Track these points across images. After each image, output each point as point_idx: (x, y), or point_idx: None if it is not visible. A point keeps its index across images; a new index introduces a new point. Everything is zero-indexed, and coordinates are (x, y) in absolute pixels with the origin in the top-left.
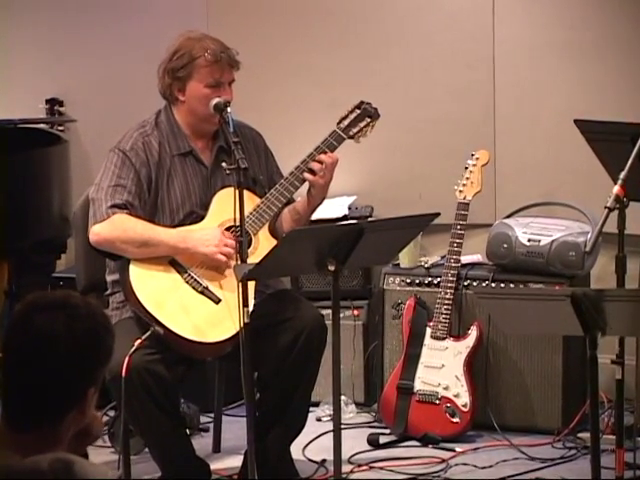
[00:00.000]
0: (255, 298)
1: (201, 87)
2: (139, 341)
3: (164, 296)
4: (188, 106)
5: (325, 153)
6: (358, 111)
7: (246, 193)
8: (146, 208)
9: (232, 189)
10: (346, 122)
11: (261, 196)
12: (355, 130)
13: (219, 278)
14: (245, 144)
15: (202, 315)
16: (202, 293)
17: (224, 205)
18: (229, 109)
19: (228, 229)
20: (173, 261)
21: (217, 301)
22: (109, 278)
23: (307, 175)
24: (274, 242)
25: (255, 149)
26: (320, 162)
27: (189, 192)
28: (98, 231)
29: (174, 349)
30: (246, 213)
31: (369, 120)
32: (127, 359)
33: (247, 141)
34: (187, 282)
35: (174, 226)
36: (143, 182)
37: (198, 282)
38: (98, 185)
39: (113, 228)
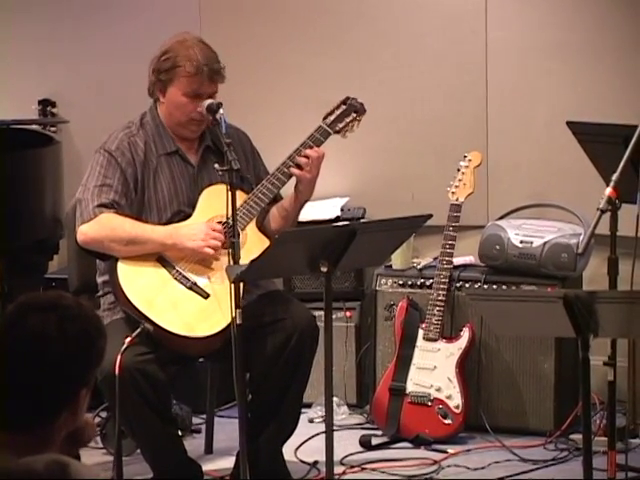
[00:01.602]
0: (243, 297)
1: (179, 94)
2: (129, 339)
3: (153, 293)
4: (166, 108)
5: (311, 148)
6: (344, 107)
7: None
8: (133, 207)
9: (219, 186)
10: (332, 117)
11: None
12: (341, 125)
13: (207, 273)
14: (232, 144)
15: (191, 310)
16: (190, 289)
17: (211, 202)
18: (221, 110)
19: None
20: (161, 258)
21: (206, 296)
22: (99, 279)
23: (294, 170)
24: (262, 236)
25: (242, 149)
26: (306, 157)
27: (176, 191)
28: (85, 231)
29: (165, 346)
30: None
31: (355, 115)
32: (119, 357)
33: (234, 141)
34: (175, 278)
35: (162, 224)
36: (129, 181)
37: (186, 278)
38: (85, 186)
39: (100, 227)
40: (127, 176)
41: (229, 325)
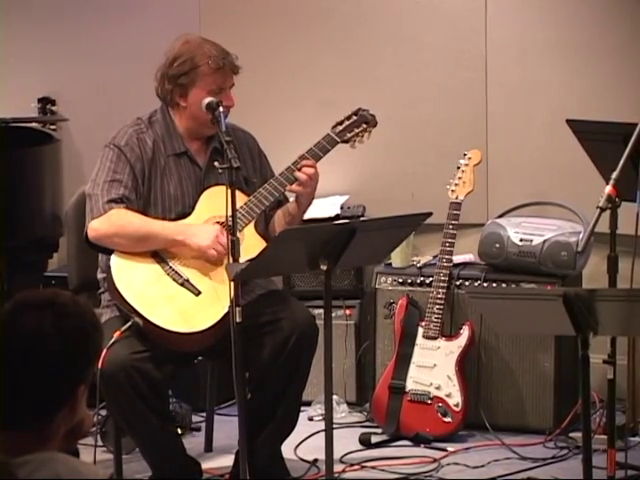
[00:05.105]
0: (242, 297)
1: (204, 94)
2: (118, 333)
3: (144, 287)
4: (190, 112)
5: (318, 155)
6: (355, 117)
7: (237, 192)
8: (140, 202)
9: (220, 187)
10: (341, 127)
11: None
12: (350, 135)
13: (200, 271)
14: (239, 146)
15: (181, 306)
16: (182, 285)
17: (211, 202)
18: (221, 108)
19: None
20: (156, 254)
21: (197, 293)
22: (100, 276)
23: (293, 187)
24: (260, 239)
25: (249, 152)
26: (306, 174)
27: (182, 192)
28: (96, 227)
29: (156, 342)
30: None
31: (365, 126)
32: (105, 352)
33: (241, 144)
34: (168, 274)
35: None
36: (138, 177)
37: (179, 274)
38: (94, 181)
39: (111, 223)
40: (136, 171)
41: (219, 322)
